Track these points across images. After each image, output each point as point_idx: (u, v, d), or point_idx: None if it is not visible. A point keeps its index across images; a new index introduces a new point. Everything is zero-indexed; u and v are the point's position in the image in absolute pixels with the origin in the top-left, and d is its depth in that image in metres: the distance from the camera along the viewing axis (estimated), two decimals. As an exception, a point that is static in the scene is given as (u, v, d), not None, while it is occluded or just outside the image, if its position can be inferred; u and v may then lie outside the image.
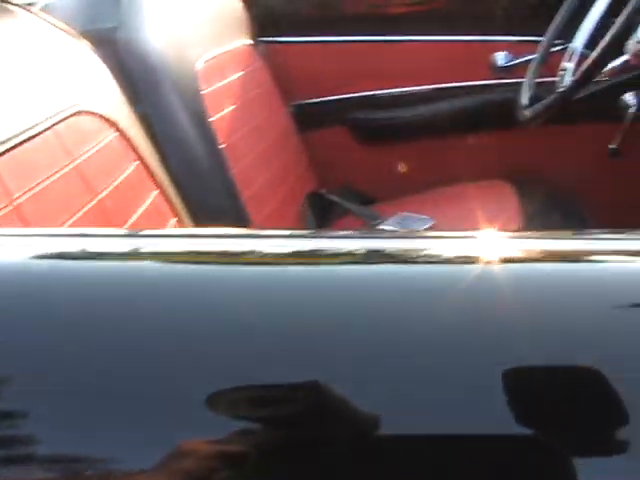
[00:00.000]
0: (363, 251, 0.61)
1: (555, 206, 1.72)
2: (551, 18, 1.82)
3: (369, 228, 1.69)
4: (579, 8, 1.69)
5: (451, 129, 1.96)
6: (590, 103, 1.55)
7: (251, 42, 1.88)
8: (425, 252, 0.61)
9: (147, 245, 0.65)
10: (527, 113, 1.60)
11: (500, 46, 1.93)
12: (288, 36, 1.98)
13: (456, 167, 1.88)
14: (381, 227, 1.67)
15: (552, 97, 1.56)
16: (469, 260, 0.58)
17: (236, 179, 1.54)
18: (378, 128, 2.01)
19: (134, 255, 0.62)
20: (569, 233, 0.68)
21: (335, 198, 1.85)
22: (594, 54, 1.40)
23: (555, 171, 1.85)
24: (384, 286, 0.56)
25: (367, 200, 1.95)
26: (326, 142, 1.99)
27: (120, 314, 0.54)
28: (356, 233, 0.89)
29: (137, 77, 1.45)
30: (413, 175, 1.96)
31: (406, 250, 0.61)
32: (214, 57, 1.63)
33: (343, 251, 0.61)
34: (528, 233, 0.79)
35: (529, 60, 1.86)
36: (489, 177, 1.85)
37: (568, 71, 1.60)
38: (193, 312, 0.54)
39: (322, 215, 1.82)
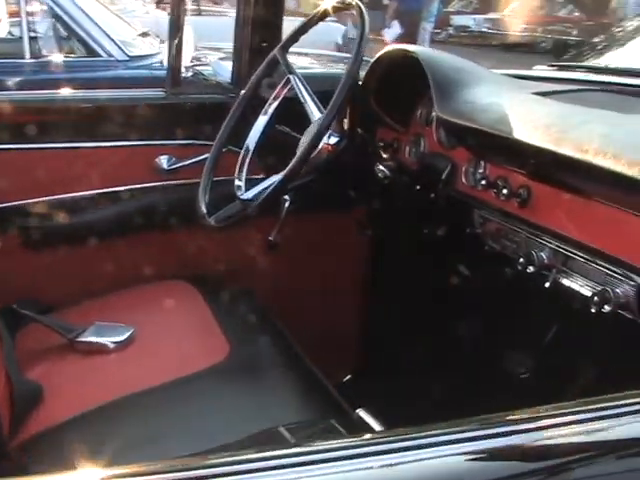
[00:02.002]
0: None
1: (236, 301, 1.85)
2: (210, 123, 2.00)
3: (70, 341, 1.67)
4: (245, 116, 1.87)
5: (120, 232, 2.01)
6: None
7: None
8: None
9: None
10: (212, 221, 1.73)
11: (163, 150, 2.03)
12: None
13: (128, 269, 1.94)
14: (82, 339, 1.67)
15: (235, 207, 1.72)
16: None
17: None
18: (47, 235, 1.99)
19: None
20: None
21: (27, 312, 1.79)
22: (279, 177, 1.61)
23: (228, 266, 2.00)
24: None
25: (45, 309, 1.91)
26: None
27: None
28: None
29: None
30: (89, 280, 1.96)
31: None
32: None
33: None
34: None
35: (194, 162, 2.01)
36: (164, 277, 1.93)
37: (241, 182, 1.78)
38: None
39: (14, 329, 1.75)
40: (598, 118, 1.36)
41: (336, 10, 1.87)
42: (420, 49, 1.78)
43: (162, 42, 4.05)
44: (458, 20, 18.54)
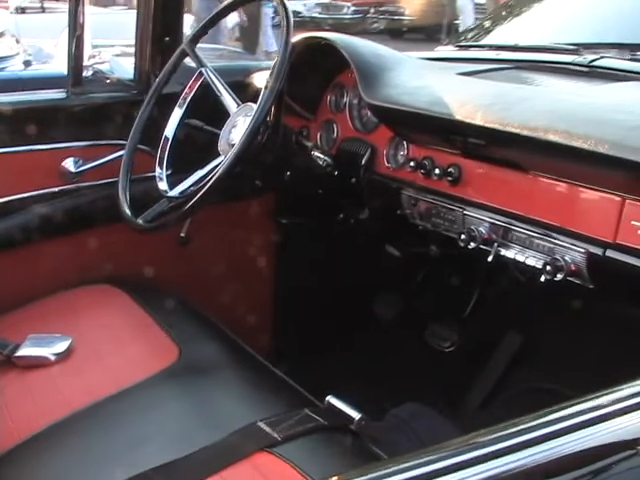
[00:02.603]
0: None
1: (167, 301, 1.81)
2: (116, 122, 1.94)
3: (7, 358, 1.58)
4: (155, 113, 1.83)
5: (31, 239, 1.92)
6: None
7: None
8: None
9: None
10: (140, 222, 1.68)
11: (68, 153, 1.95)
12: None
13: (43, 277, 1.86)
14: (20, 355, 1.58)
15: (162, 205, 1.68)
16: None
17: None
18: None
19: None
20: None
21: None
22: (204, 172, 1.62)
23: (146, 266, 1.95)
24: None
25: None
26: None
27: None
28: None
29: None
30: (5, 291, 1.87)
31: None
32: None
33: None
34: None
35: (103, 163, 1.94)
36: (83, 282, 1.86)
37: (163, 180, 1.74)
38: None
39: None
40: (533, 94, 1.42)
41: (246, 2, 1.86)
42: (336, 36, 1.79)
43: (18, 42, 3.87)
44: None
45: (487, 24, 2.23)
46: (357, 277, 2.15)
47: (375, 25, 17.04)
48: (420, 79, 1.64)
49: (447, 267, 2.04)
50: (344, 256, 2.13)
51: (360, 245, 2.06)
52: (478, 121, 1.39)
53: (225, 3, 1.82)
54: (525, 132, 1.30)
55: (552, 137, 1.25)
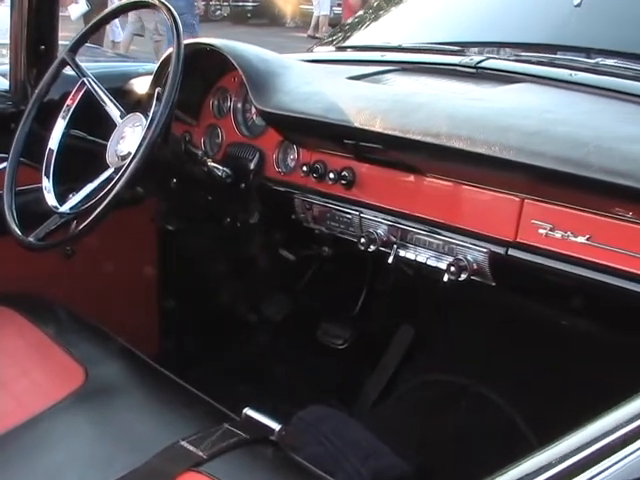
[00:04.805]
0: None
1: (62, 318, 1.75)
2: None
3: None
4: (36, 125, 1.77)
5: None
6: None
7: None
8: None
9: None
10: (32, 241, 1.61)
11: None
12: None
13: None
14: None
15: (54, 222, 1.62)
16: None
17: None
18: None
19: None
20: None
21: None
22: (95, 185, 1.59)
23: (31, 282, 1.87)
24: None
25: None
26: None
27: None
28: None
29: None
30: None
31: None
32: None
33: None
34: None
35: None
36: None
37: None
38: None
39: None
40: (430, 99, 1.46)
41: (134, 7, 1.81)
42: (221, 42, 1.77)
43: None
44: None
45: (364, 21, 2.24)
46: (246, 280, 2.14)
47: (218, 12, 16.95)
48: (311, 84, 1.64)
49: (335, 264, 2.07)
50: (233, 260, 2.12)
51: (251, 248, 2.05)
52: (377, 128, 1.41)
53: (106, 11, 1.77)
54: (427, 139, 1.34)
55: (455, 144, 1.29)
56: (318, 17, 14.21)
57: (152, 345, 2.17)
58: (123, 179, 1.50)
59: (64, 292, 1.90)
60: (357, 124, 1.45)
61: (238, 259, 2.10)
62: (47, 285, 1.87)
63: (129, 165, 1.52)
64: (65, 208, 1.64)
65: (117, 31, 9.41)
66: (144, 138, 1.52)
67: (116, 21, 9.44)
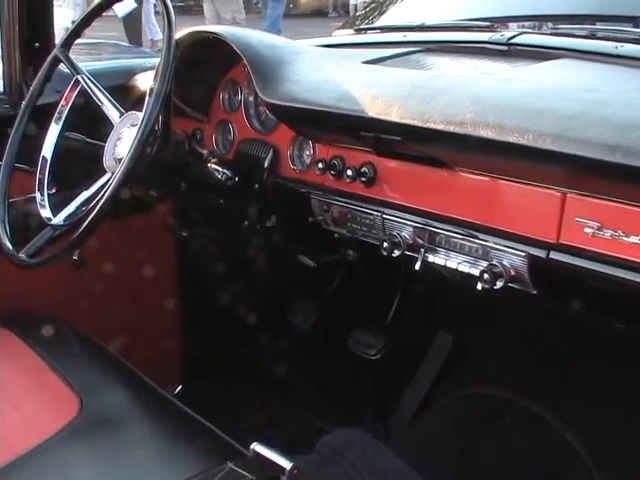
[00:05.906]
0: None
1: (63, 339, 1.61)
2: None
3: None
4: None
5: None
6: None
7: None
8: None
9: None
10: (23, 257, 1.48)
11: None
12: None
13: None
14: None
15: (46, 235, 1.49)
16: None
17: None
18: None
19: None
20: None
21: None
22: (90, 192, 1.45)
23: (35, 298, 1.74)
24: None
25: None
26: None
27: None
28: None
29: None
30: None
31: None
32: None
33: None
34: None
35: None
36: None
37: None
38: None
39: None
40: (454, 82, 1.27)
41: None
42: (224, 29, 1.61)
43: None
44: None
45: (386, 1, 2.06)
46: (269, 287, 1.99)
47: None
48: (322, 71, 1.47)
49: (364, 268, 1.90)
50: (254, 266, 1.96)
51: (271, 253, 1.90)
52: (394, 117, 1.24)
53: (95, 2, 1.62)
54: (451, 128, 1.15)
55: (482, 132, 1.11)
56: (356, 5, 14.03)
57: (171, 364, 2.03)
58: (113, 184, 1.35)
59: (71, 308, 1.76)
60: (371, 113, 1.27)
61: (261, 268, 1.95)
62: (52, 301, 1.74)
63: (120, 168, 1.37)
64: (59, 219, 1.50)
65: (154, 29, 9.28)
66: (135, 138, 1.37)
67: (153, 19, 9.36)
